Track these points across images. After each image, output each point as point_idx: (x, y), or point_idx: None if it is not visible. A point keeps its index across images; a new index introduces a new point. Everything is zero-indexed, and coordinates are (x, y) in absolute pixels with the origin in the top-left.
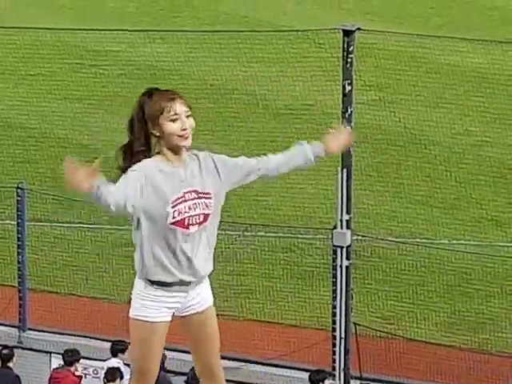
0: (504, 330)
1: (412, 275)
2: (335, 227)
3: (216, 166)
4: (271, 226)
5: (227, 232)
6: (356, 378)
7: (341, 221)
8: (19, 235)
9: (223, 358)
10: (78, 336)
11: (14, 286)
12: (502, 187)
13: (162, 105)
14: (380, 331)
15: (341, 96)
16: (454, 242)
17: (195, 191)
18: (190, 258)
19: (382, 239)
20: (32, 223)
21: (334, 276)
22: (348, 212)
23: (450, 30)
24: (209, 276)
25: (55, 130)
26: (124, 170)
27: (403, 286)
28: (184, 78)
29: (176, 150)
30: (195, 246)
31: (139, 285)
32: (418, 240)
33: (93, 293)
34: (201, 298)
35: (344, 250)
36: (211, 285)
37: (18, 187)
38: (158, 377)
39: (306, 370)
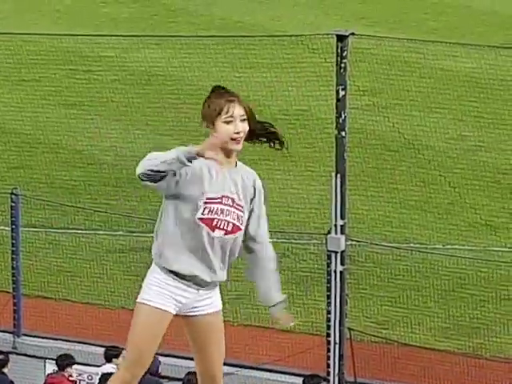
0: (498, 335)
1: (406, 280)
2: (329, 232)
3: (254, 194)
4: None
5: None
6: (350, 383)
7: (335, 226)
8: (13, 241)
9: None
10: (72, 342)
11: (8, 292)
12: (496, 192)
13: (220, 105)
14: (374, 336)
15: (335, 101)
16: (449, 246)
17: (232, 199)
18: (211, 259)
19: (377, 244)
20: (26, 229)
21: (329, 281)
22: (342, 217)
23: (444, 34)
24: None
25: (49, 136)
26: None
27: (397, 291)
28: (178, 83)
29: (227, 152)
30: (218, 251)
31: (154, 271)
32: (412, 245)
33: (87, 298)
34: (211, 301)
35: (338, 255)
36: None
37: (12, 193)
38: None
39: (300, 375)
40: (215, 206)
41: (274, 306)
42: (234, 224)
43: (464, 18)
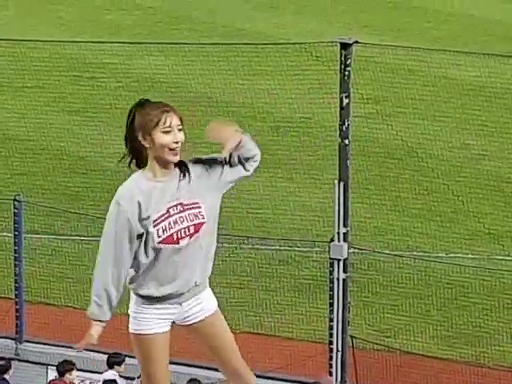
0: (501, 344)
1: (409, 288)
2: (332, 240)
3: (200, 175)
4: (268, 238)
5: (224, 245)
6: None
7: (338, 233)
8: (16, 247)
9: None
10: (74, 348)
11: (10, 298)
12: (499, 200)
13: (157, 116)
14: (377, 344)
15: (338, 109)
16: (452, 255)
17: (180, 204)
18: (180, 272)
19: (379, 252)
20: (29, 235)
21: (331, 289)
22: (345, 225)
23: (447, 43)
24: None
25: (53, 142)
26: None
27: (400, 299)
28: (181, 90)
29: (164, 164)
30: (189, 257)
31: (132, 299)
32: (415, 253)
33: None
34: (201, 306)
35: (341, 262)
36: None
37: (15, 199)
38: None
39: (303, 383)
40: (165, 222)
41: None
42: (194, 225)
43: (467, 27)
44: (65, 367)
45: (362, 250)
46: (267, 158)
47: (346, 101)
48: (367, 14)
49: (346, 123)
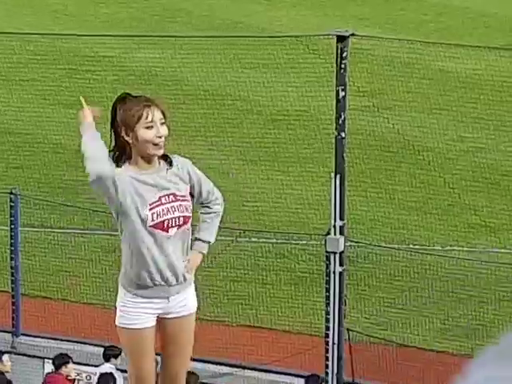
0: (497, 336)
1: (405, 281)
2: (328, 233)
3: (189, 174)
4: (264, 231)
5: (220, 238)
6: None
7: (334, 227)
8: (12, 241)
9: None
10: (70, 341)
11: (7, 292)
12: (495, 193)
13: (139, 111)
14: (373, 337)
15: (334, 102)
16: (448, 248)
17: (173, 194)
18: (171, 260)
19: (376, 245)
20: (25, 229)
21: (327, 282)
22: (341, 218)
23: (444, 36)
24: (200, 283)
25: (49, 136)
26: None
27: (396, 292)
28: (178, 83)
29: (148, 159)
30: (176, 249)
31: (120, 292)
32: (411, 246)
33: (86, 298)
34: (185, 302)
35: (337, 256)
36: (204, 291)
37: (11, 193)
38: None
39: (299, 376)
40: (159, 208)
41: (199, 240)
42: (183, 216)
43: (463, 20)
44: (61, 360)
45: (358, 243)
46: (263, 151)
47: (342, 94)
48: (364, 6)
49: (343, 116)
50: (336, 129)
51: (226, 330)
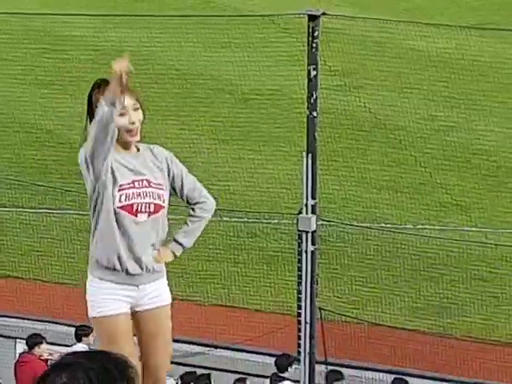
0: (468, 315)
1: (377, 260)
2: (300, 212)
3: (168, 164)
4: (236, 211)
5: None
6: (321, 363)
7: (306, 206)
8: None
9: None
10: (43, 321)
11: None
12: (466, 172)
13: None
14: (345, 316)
15: (306, 81)
16: (419, 226)
17: (147, 180)
18: (134, 248)
19: (347, 224)
20: None
21: (299, 261)
22: (313, 197)
23: (415, 15)
24: (171, 263)
25: (20, 115)
26: None
27: (368, 271)
28: (149, 63)
29: (124, 145)
30: (145, 238)
31: (88, 282)
32: (383, 225)
33: (58, 278)
34: (157, 293)
35: (309, 235)
36: (176, 270)
37: None
38: None
39: (272, 355)
40: (129, 191)
41: (174, 240)
42: (155, 204)
43: None
44: (34, 340)
45: (330, 222)
46: (235, 131)
47: (313, 73)
48: None
49: (314, 95)
50: (308, 108)
51: (198, 310)
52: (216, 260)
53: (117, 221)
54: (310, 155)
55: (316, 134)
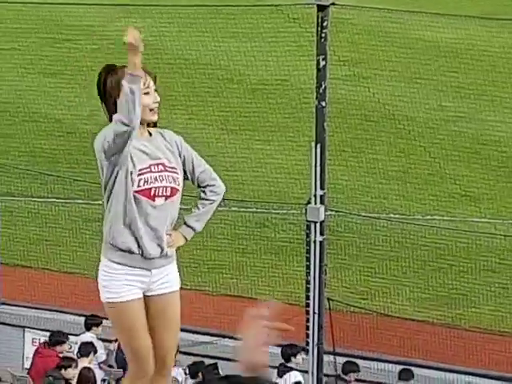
0: (477, 305)
1: (386, 250)
2: (309, 202)
3: (179, 148)
4: (245, 201)
5: None
6: (329, 353)
7: (315, 196)
8: None
9: (196, 332)
10: (51, 310)
11: None
12: (475, 162)
13: None
14: (353, 306)
15: (315, 71)
16: (428, 217)
17: (162, 164)
18: (156, 231)
19: (356, 214)
20: (5, 198)
21: (308, 251)
22: (322, 187)
23: (425, 5)
24: (179, 253)
25: (29, 105)
26: None
27: (377, 262)
28: (158, 52)
29: (142, 124)
30: (162, 221)
31: (101, 265)
32: (391, 215)
33: (66, 267)
34: (168, 279)
35: (318, 225)
36: (184, 260)
37: None
38: None
39: (279, 345)
40: (147, 175)
41: (185, 224)
42: (171, 187)
43: None
44: (58, 338)
45: (338, 212)
46: (244, 121)
47: (322, 63)
48: None
49: (323, 85)
50: (316, 98)
51: (206, 299)
52: (224, 250)
53: (133, 205)
54: (318, 145)
55: (325, 124)
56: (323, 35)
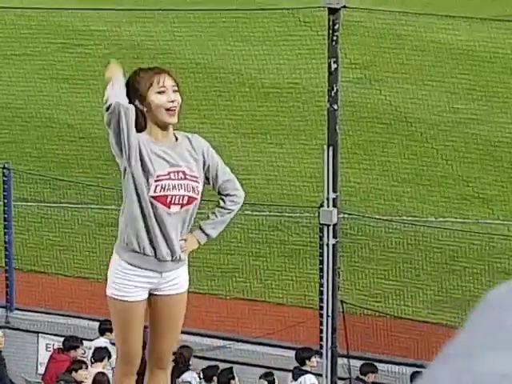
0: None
1: (399, 253)
2: (322, 205)
3: (204, 156)
4: (258, 204)
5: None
6: (343, 356)
7: (327, 199)
8: (5, 215)
9: (210, 336)
10: (65, 316)
11: (0, 267)
12: (488, 164)
13: (150, 78)
14: (367, 309)
15: (327, 74)
16: (441, 219)
17: (183, 172)
18: (167, 236)
19: (369, 217)
20: (18, 203)
21: (321, 254)
22: (334, 190)
23: (436, 7)
24: (192, 257)
25: (41, 110)
26: None
27: (390, 264)
28: (170, 57)
29: (163, 126)
30: (176, 228)
31: (113, 259)
32: (404, 218)
33: (80, 272)
34: (177, 281)
35: (330, 228)
36: (197, 264)
37: (4, 167)
38: None
39: (293, 349)
40: (165, 182)
41: (201, 229)
42: (189, 196)
43: None
44: (73, 343)
45: (351, 215)
46: (256, 124)
47: (334, 66)
48: None
49: (335, 88)
50: (328, 101)
51: (219, 303)
52: (237, 253)
53: (148, 209)
54: (330, 148)
55: (337, 127)
56: (335, 38)
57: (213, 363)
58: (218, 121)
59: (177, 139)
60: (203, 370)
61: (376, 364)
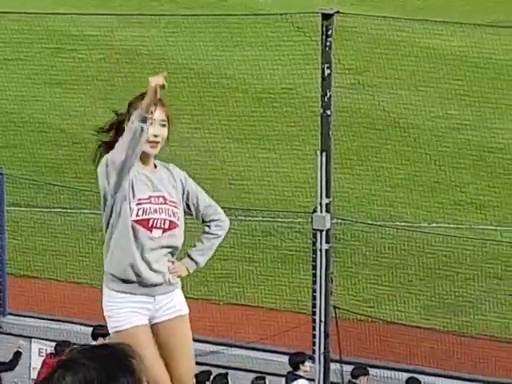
0: (484, 313)
1: (392, 258)
2: (315, 211)
3: (183, 184)
4: (251, 210)
5: None
6: (336, 361)
7: (320, 204)
8: None
9: (204, 341)
10: (58, 321)
11: None
12: (481, 170)
13: None
14: (360, 314)
15: (320, 80)
16: (434, 225)
17: (163, 197)
18: (152, 261)
19: (362, 223)
20: (11, 208)
21: (314, 260)
22: (327, 195)
23: (430, 13)
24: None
25: (34, 115)
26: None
27: (383, 269)
28: (163, 62)
29: (144, 160)
30: (160, 253)
31: (104, 296)
32: (397, 223)
33: (73, 278)
34: (173, 304)
35: (324, 233)
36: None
37: None
38: None
39: (286, 354)
40: (147, 205)
41: (189, 257)
42: (170, 220)
43: None
44: (64, 347)
45: (344, 220)
46: (249, 130)
47: (327, 71)
48: None
49: (328, 94)
50: (322, 106)
51: (212, 308)
52: (231, 259)
53: (130, 234)
54: (324, 154)
55: (330, 132)
56: (328, 44)
57: (206, 368)
58: (212, 126)
59: (155, 166)
60: (196, 375)
61: (369, 369)
